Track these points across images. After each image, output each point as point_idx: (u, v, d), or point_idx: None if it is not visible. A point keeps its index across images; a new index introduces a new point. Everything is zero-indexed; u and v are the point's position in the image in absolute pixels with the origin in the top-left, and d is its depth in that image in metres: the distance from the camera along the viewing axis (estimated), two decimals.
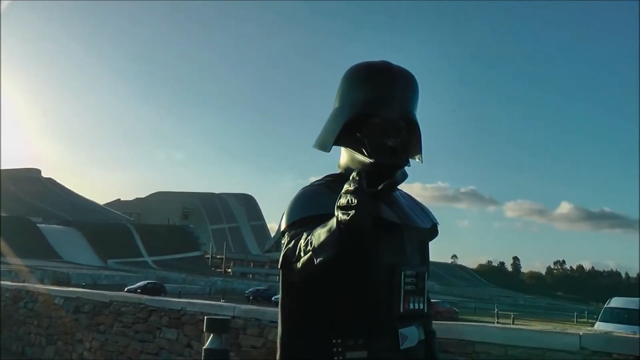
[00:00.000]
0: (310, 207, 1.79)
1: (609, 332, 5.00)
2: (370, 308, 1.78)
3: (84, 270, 71.63)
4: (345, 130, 1.85)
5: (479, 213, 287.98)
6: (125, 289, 43.40)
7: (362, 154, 1.83)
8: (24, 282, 25.78)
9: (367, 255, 1.78)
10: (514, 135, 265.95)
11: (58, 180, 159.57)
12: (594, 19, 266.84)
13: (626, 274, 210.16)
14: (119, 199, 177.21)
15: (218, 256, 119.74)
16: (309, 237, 1.58)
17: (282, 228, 1.81)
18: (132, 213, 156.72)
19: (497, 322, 37.62)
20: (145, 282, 52.49)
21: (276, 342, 1.89)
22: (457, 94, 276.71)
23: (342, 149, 1.94)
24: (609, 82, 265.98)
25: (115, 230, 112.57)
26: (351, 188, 1.42)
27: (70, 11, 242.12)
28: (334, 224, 1.47)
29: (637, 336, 4.17)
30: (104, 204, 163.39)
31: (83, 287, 23.24)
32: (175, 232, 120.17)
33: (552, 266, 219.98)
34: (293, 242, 1.67)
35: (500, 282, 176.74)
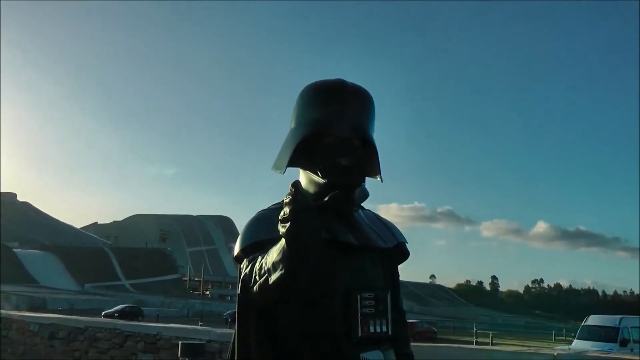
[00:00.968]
0: (259, 231, 1.78)
1: (582, 352, 5.07)
2: (329, 333, 1.73)
3: (60, 294, 70.45)
4: (301, 150, 1.78)
5: (456, 233, 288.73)
6: (103, 313, 43.04)
7: (317, 174, 1.75)
8: None
9: (320, 279, 1.73)
10: (490, 155, 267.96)
11: (34, 204, 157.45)
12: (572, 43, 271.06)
13: (603, 291, 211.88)
14: (96, 222, 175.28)
15: (196, 278, 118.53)
16: (263, 259, 1.58)
17: (235, 254, 1.80)
18: (110, 236, 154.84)
19: (476, 342, 37.65)
20: (123, 305, 52.02)
21: None
22: (432, 114, 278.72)
23: (300, 170, 1.87)
24: (584, 104, 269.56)
25: (92, 254, 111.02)
26: (286, 200, 1.43)
27: (44, 33, 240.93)
28: (283, 241, 1.46)
29: (610, 356, 4.23)
30: (80, 228, 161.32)
31: (60, 312, 22.93)
32: (153, 255, 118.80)
33: (530, 285, 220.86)
34: (250, 266, 1.66)
35: (479, 301, 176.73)
